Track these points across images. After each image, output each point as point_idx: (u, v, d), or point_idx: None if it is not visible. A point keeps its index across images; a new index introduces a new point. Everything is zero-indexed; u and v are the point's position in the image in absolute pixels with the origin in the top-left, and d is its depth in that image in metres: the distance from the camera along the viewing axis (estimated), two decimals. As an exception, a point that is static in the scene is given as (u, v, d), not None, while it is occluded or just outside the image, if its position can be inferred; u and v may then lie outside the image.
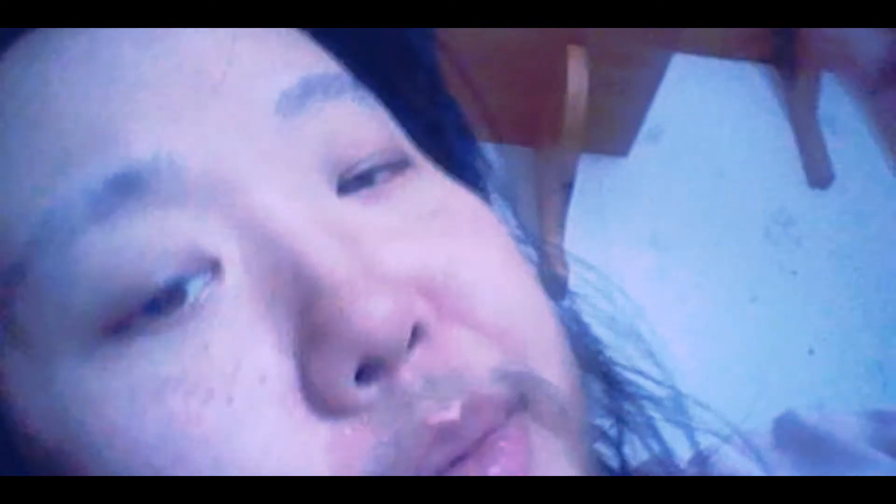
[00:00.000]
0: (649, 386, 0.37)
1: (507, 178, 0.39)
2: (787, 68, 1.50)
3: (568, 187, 1.20)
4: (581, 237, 1.25)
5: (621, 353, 0.38)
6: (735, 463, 0.37)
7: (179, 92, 0.26)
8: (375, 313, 0.23)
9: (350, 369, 0.24)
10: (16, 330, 0.26)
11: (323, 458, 0.23)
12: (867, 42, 0.29)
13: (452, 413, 0.24)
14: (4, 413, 0.26)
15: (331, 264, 0.24)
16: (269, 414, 0.24)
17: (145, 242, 0.25)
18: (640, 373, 0.38)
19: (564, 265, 0.44)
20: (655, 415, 0.37)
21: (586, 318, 0.38)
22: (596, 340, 0.38)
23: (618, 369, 0.38)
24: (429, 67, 0.35)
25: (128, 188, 0.25)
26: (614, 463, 0.36)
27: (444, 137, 0.35)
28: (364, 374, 0.24)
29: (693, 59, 1.46)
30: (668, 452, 0.36)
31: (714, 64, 1.51)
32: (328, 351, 0.24)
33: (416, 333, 0.25)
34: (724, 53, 1.52)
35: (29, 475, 0.26)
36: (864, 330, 1.30)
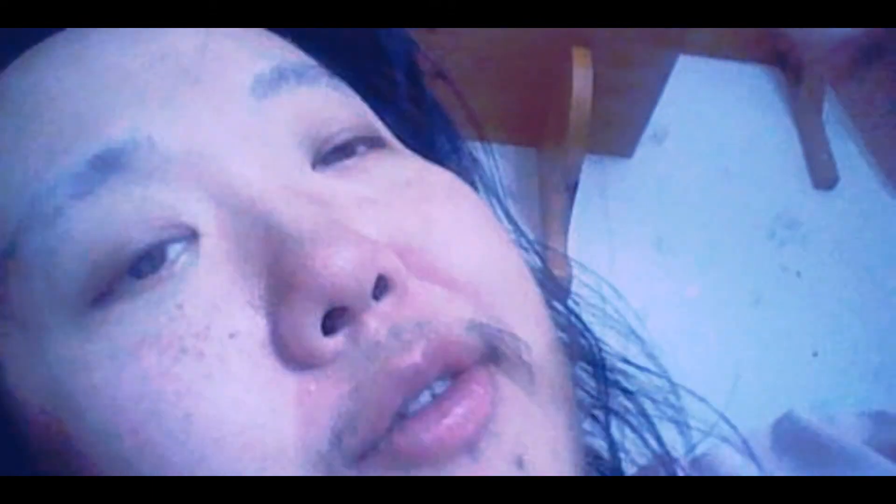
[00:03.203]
0: (648, 382, 0.37)
1: (495, 174, 0.39)
2: (792, 70, 1.50)
3: (572, 188, 1.20)
4: (585, 238, 1.25)
5: (620, 350, 0.38)
6: (735, 463, 0.37)
7: (159, 82, 0.28)
8: (336, 259, 0.24)
9: (315, 318, 0.24)
10: (11, 309, 0.27)
11: (290, 413, 0.24)
12: (828, 35, 0.29)
13: (413, 356, 0.24)
14: (5, 397, 0.27)
15: (296, 218, 0.25)
16: (238, 369, 0.24)
17: (126, 214, 0.26)
18: (639, 368, 0.38)
19: (567, 265, 0.44)
20: (654, 412, 0.37)
21: (585, 317, 0.38)
22: (592, 335, 0.38)
23: (614, 363, 0.38)
24: (404, 64, 0.36)
25: (108, 166, 0.26)
26: (605, 455, 0.36)
27: (426, 135, 0.36)
28: (330, 324, 0.24)
29: (698, 60, 1.46)
30: (666, 451, 0.36)
31: (719, 65, 1.51)
32: (293, 301, 0.24)
33: (384, 285, 0.25)
34: (729, 55, 1.52)
35: (28, 456, 0.27)
36: (869, 332, 1.30)
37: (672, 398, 0.37)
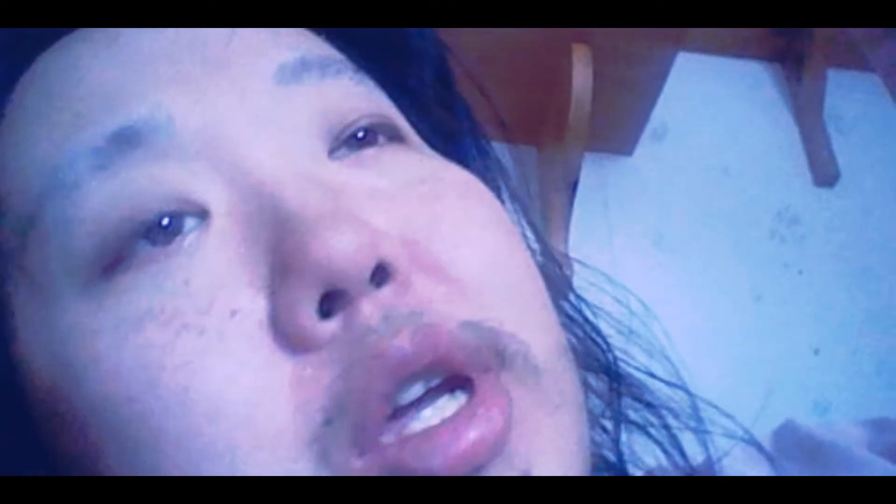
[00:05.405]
0: (664, 391, 0.37)
1: (520, 181, 0.40)
2: (793, 66, 1.50)
3: (572, 186, 1.20)
4: (585, 236, 1.25)
5: (631, 355, 0.38)
6: (742, 468, 0.37)
7: (184, 66, 0.29)
8: (335, 242, 0.24)
9: (310, 300, 0.24)
10: (29, 275, 0.28)
11: (285, 395, 0.24)
12: None
13: (400, 340, 0.24)
14: (17, 362, 0.28)
15: (302, 203, 0.26)
16: (237, 347, 0.25)
17: (141, 187, 0.27)
18: (653, 376, 0.38)
19: (569, 265, 0.44)
20: (673, 423, 0.37)
21: (594, 319, 0.38)
22: (605, 341, 0.38)
23: (629, 372, 0.38)
24: (434, 66, 0.36)
25: (127, 142, 0.27)
26: (613, 457, 0.36)
27: (454, 137, 0.36)
28: (326, 308, 0.25)
29: (698, 57, 1.46)
30: (689, 465, 0.36)
31: (719, 62, 1.51)
32: (291, 281, 0.25)
33: (385, 273, 0.25)
34: (730, 52, 1.51)
35: (32, 422, 0.28)
36: (870, 329, 1.30)
37: (694, 412, 0.37)
